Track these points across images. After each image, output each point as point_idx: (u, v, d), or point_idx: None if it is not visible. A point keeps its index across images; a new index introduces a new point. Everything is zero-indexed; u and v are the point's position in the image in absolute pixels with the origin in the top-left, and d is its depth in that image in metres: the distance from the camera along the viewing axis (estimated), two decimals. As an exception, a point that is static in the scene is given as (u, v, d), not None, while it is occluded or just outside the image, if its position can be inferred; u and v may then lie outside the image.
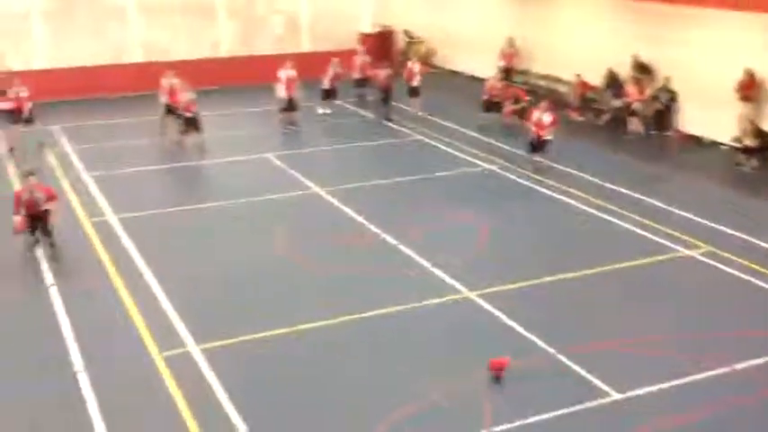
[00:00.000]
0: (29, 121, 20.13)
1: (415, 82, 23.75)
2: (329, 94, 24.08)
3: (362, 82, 25.23)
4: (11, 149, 19.64)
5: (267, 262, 13.81)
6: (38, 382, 10.19)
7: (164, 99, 20.99)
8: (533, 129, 18.60)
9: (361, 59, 25.25)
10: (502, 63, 26.07)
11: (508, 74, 25.75)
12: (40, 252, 13.91)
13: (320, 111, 23.91)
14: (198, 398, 9.72)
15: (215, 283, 13.05)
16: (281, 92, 22.02)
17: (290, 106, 22.14)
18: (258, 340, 11.16)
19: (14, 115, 19.90)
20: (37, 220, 13.59)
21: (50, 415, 9.52)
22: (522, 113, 21.43)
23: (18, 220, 13.45)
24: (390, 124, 22.81)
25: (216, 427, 9.19)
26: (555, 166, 18.53)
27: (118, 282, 12.89)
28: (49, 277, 13.05)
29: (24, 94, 19.91)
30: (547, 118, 18.49)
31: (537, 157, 18.58)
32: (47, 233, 13.74)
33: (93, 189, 17.37)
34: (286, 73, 21.95)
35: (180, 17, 28.60)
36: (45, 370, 10.48)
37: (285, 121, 22.23)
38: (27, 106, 19.94)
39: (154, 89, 21.99)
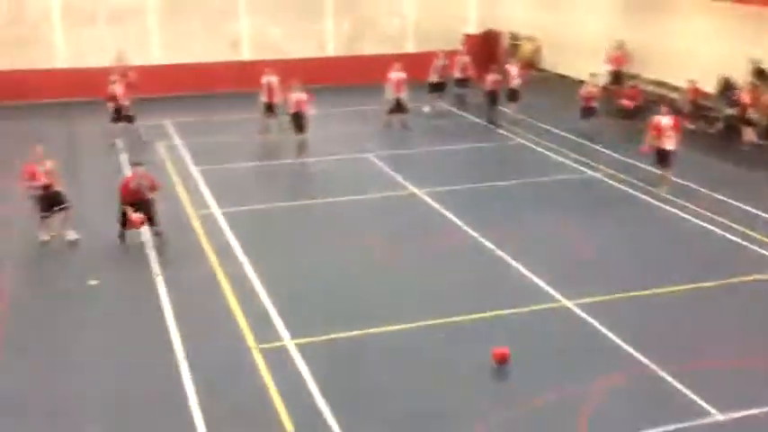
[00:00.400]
0: (128, 118, 20.63)
1: (514, 84, 23.45)
2: (437, 88, 24.25)
3: (463, 83, 25.16)
4: (113, 144, 20.30)
5: (363, 261, 13.92)
6: (141, 366, 10.59)
7: (263, 98, 21.44)
8: (654, 135, 17.36)
9: (461, 60, 25.16)
10: (609, 67, 25.42)
11: (617, 78, 25.11)
12: (148, 240, 14.44)
13: (426, 109, 24.03)
14: (291, 392, 9.88)
15: (312, 279, 13.24)
16: (390, 93, 22.12)
17: (398, 107, 22.21)
18: (353, 338, 11.26)
19: (114, 112, 20.42)
20: (139, 208, 14.04)
21: (152, 398, 9.86)
22: (633, 115, 20.86)
23: (136, 217, 13.91)
24: (491, 127, 22.61)
25: (307, 422, 9.31)
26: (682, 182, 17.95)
27: (220, 274, 13.25)
28: (155, 266, 13.53)
29: (120, 90, 20.42)
30: (667, 122, 17.27)
31: (661, 170, 17.38)
32: (153, 222, 14.27)
33: (200, 182, 17.90)
34: (396, 74, 22.01)
35: (288, 15, 29.17)
36: (148, 355, 10.88)
37: (392, 122, 22.31)
38: (125, 103, 20.48)
39: (250, 88, 22.55)
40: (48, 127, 22.37)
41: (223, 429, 9.27)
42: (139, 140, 20.58)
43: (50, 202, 14.22)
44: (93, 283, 12.93)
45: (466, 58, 25.33)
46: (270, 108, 21.29)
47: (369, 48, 29.57)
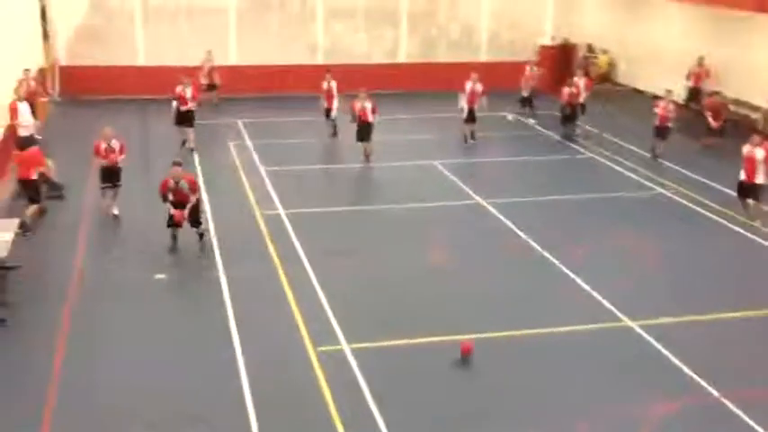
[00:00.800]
0: (189, 122, 20.34)
1: (582, 99, 22.98)
2: (527, 103, 24.57)
3: (529, 94, 24.90)
4: (183, 143, 20.48)
5: (424, 269, 13.88)
6: (200, 362, 10.79)
7: (323, 103, 21.68)
8: (745, 168, 16.19)
9: (528, 71, 24.96)
10: (689, 83, 24.81)
11: (696, 95, 24.47)
12: (215, 240, 14.70)
13: (509, 117, 24.29)
14: (345, 396, 9.92)
15: (372, 284, 13.28)
16: (462, 102, 22.00)
17: (469, 117, 22.09)
18: (410, 346, 11.24)
19: (177, 114, 20.36)
20: (180, 207, 14.21)
21: (208, 394, 10.03)
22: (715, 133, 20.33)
23: (176, 212, 14.15)
24: (566, 141, 22.32)
25: (358, 424, 9.33)
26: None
27: (282, 274, 13.39)
28: (219, 264, 13.75)
29: (187, 93, 20.12)
30: (760, 154, 15.90)
31: (748, 201, 16.34)
32: (196, 223, 14.43)
33: (268, 183, 18.15)
34: (471, 85, 21.79)
35: (363, 21, 29.40)
36: (207, 349, 11.08)
37: (465, 131, 22.21)
38: (191, 105, 20.22)
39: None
40: (126, 121, 23.02)
41: (276, 428, 9.36)
42: (185, 147, 20.29)
43: (107, 176, 15.61)
44: (159, 276, 13.23)
45: (534, 70, 25.16)
46: (328, 113, 21.67)
47: (440, 55, 29.55)
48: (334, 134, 21.70)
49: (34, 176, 15.16)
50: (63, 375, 10.30)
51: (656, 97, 22.18)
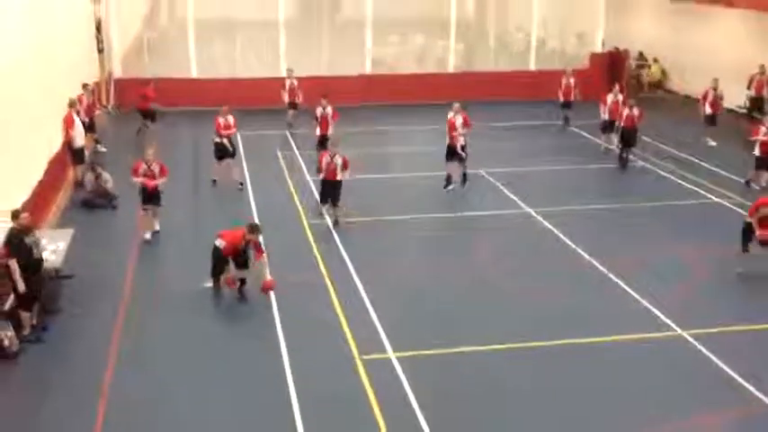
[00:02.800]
0: (231, 153, 18.81)
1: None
2: (609, 127, 21.81)
3: (567, 104, 24.35)
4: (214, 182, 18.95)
5: (470, 278, 13.81)
6: (248, 366, 10.90)
7: (316, 130, 20.08)
8: None
9: (565, 82, 24.23)
10: (752, 92, 24.03)
11: (758, 104, 23.71)
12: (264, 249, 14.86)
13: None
14: (391, 404, 9.91)
15: (418, 293, 13.25)
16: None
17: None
18: (456, 355, 11.20)
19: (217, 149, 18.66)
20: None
21: (256, 402, 10.12)
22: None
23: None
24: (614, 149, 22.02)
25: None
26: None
27: (328, 282, 13.46)
28: (267, 271, 13.85)
29: (223, 121, 18.62)
30: None
31: None
32: (244, 266, 13.21)
33: (315, 191, 18.25)
34: (565, 80, 23.26)
35: (410, 31, 29.45)
36: (255, 355, 11.19)
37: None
38: (225, 139, 18.59)
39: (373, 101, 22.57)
40: (179, 133, 23.50)
41: (321, 436, 9.40)
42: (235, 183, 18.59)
43: (147, 198, 15.31)
44: (207, 285, 13.38)
45: (570, 80, 24.23)
46: (321, 141, 19.50)
47: (491, 64, 29.47)
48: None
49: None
50: (112, 387, 10.39)
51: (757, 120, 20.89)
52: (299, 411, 9.79)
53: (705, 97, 22.55)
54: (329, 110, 19.77)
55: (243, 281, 13.13)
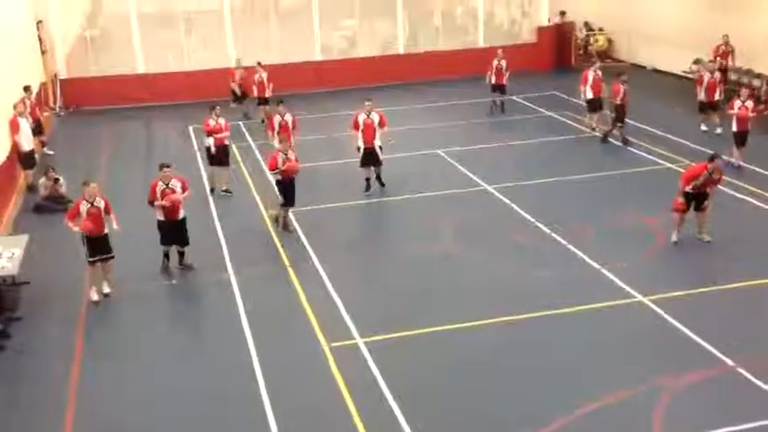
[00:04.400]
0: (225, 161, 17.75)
1: (602, 93, 20.82)
2: (598, 105, 21.13)
3: (498, 88, 23.36)
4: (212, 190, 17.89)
5: (434, 258, 13.88)
6: (215, 360, 10.84)
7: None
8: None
9: (496, 63, 23.02)
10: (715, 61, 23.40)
11: (723, 73, 23.10)
12: (223, 241, 14.77)
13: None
14: (361, 389, 9.94)
15: (381, 276, 13.29)
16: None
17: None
18: (423, 336, 11.25)
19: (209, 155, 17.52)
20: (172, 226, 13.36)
21: (224, 387, 10.07)
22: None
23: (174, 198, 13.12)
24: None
25: (378, 421, 9.35)
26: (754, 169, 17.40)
27: (290, 271, 13.42)
28: (229, 266, 13.78)
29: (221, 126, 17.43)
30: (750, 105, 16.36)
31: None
32: (183, 243, 13.56)
33: (273, 182, 18.13)
34: (496, 62, 22.76)
35: (357, 15, 29.34)
36: (221, 349, 11.13)
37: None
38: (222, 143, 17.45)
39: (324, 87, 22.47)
40: (130, 129, 23.16)
41: (294, 423, 9.39)
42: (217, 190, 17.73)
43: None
44: (172, 282, 13.27)
45: (503, 62, 23.03)
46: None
47: (436, 43, 29.53)
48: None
49: None
50: (79, 389, 10.31)
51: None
52: (269, 402, 9.77)
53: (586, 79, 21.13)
54: (288, 117, 17.66)
55: (182, 254, 13.43)
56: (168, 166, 13.24)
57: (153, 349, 11.32)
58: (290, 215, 15.45)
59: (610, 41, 31.25)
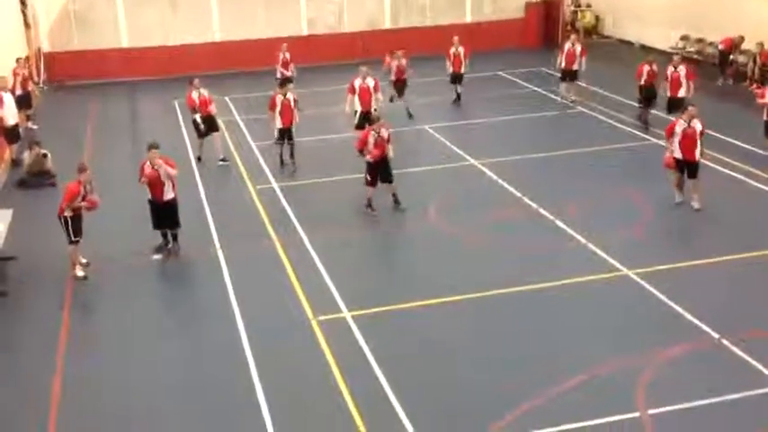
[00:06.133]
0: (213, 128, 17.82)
1: (577, 65, 21.28)
2: (569, 76, 21.62)
3: (457, 77, 21.99)
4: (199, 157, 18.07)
5: (421, 232, 13.90)
6: (204, 335, 10.86)
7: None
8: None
9: (454, 51, 21.70)
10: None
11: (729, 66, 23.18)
12: (210, 217, 14.72)
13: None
14: (350, 363, 9.96)
15: (369, 251, 13.30)
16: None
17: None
18: (411, 309, 11.28)
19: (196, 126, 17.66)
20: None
21: (213, 365, 10.10)
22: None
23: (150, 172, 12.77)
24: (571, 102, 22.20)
25: (366, 393, 9.39)
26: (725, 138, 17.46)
27: (279, 247, 13.41)
28: (217, 240, 13.75)
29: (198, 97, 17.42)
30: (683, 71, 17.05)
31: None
32: (173, 224, 13.38)
33: (260, 158, 18.11)
34: (453, 49, 21.53)
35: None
36: (209, 324, 11.14)
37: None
38: (210, 112, 17.61)
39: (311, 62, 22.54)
40: (114, 104, 22.95)
41: (283, 397, 9.42)
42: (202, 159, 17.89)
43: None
44: (155, 257, 13.23)
45: (461, 49, 21.76)
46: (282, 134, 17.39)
47: (422, 20, 29.38)
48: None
49: None
50: (66, 368, 10.23)
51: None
52: (257, 378, 9.77)
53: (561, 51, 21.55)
54: (290, 96, 17.16)
55: (175, 237, 13.30)
56: (156, 147, 12.90)
57: (140, 323, 11.29)
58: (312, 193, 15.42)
59: (597, 18, 31.19)
